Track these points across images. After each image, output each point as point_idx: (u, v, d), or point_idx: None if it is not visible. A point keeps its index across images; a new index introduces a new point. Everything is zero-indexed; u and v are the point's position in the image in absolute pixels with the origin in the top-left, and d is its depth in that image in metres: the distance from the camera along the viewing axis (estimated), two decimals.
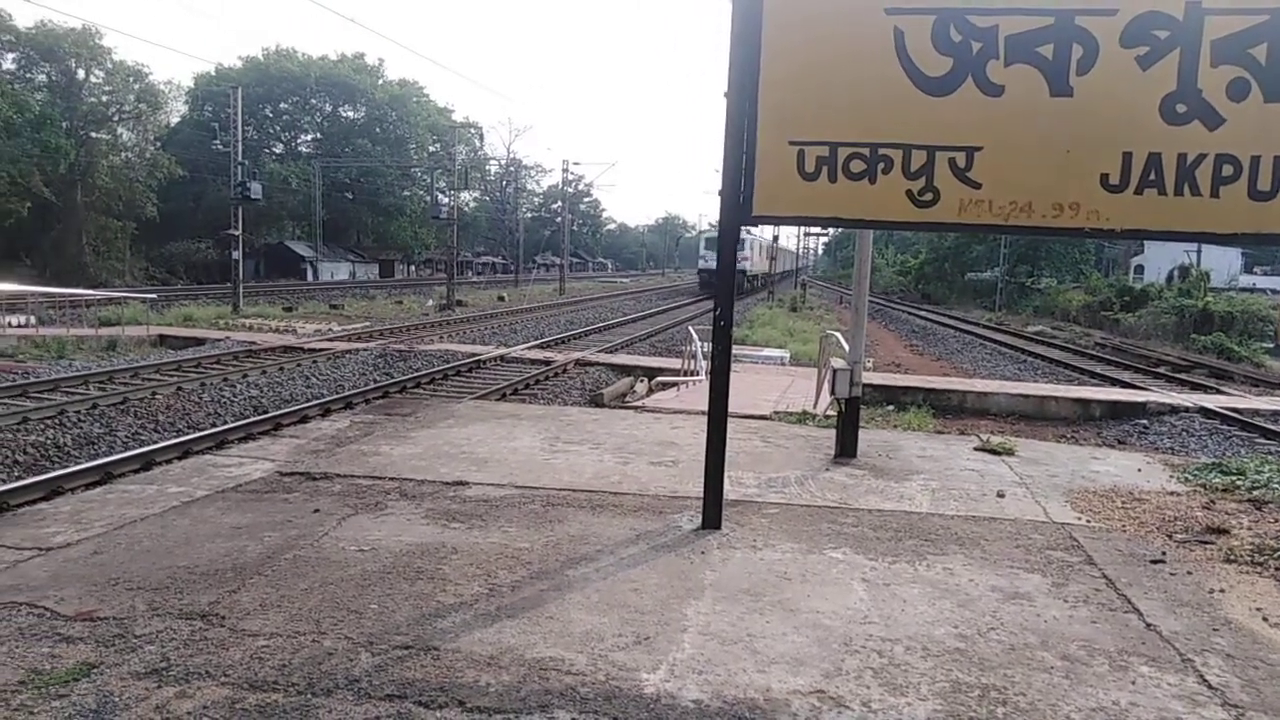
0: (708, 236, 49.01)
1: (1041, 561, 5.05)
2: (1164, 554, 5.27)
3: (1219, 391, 17.69)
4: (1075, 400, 14.69)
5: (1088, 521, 5.96)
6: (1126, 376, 20.29)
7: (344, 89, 63.67)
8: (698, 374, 14.33)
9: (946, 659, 3.72)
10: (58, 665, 3.36)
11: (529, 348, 20.47)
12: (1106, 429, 13.40)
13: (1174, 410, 14.15)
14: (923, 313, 45.83)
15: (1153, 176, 4.71)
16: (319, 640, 3.64)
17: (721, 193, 5.33)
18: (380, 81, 66.49)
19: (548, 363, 17.57)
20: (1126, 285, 44.29)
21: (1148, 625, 4.17)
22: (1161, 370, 22.45)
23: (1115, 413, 14.19)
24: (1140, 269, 57.94)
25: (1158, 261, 55.06)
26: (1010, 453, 8.16)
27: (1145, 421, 13.63)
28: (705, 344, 14.41)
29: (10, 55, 43.73)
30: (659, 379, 15.15)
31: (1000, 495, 6.55)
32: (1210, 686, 3.56)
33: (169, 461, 8.52)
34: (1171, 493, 6.88)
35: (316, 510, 5.47)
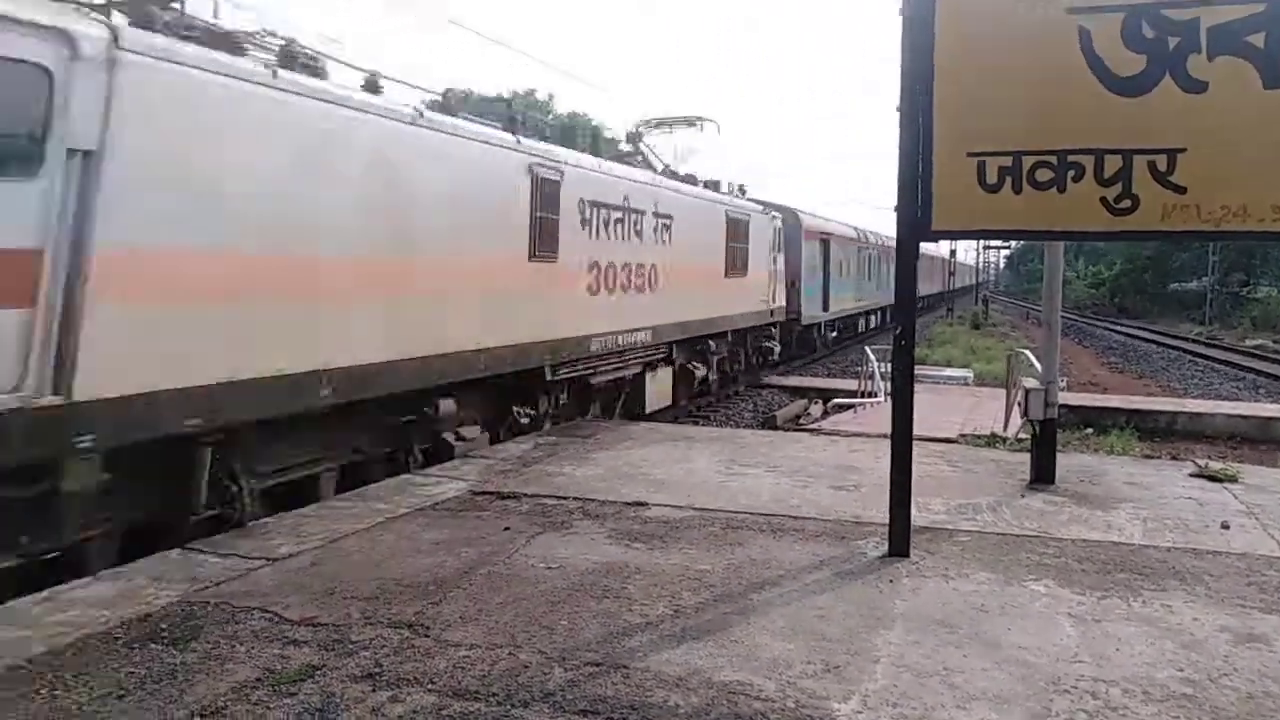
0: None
1: (1279, 601, 4.55)
2: None
3: None
4: None
5: None
6: None
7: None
8: (875, 395, 13.94)
9: (1172, 704, 3.41)
10: (287, 665, 3.68)
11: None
12: None
13: None
14: (1120, 327, 42.66)
15: None
16: (515, 654, 3.80)
17: (897, 209, 5.19)
18: (550, 116, 69.37)
19: (720, 384, 17.50)
20: None
21: None
22: None
23: None
24: None
25: None
26: (1233, 479, 7.42)
27: None
28: (882, 364, 14.01)
29: None
30: (834, 401, 14.83)
31: (1225, 526, 5.96)
32: None
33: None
34: None
35: (507, 528, 5.72)
